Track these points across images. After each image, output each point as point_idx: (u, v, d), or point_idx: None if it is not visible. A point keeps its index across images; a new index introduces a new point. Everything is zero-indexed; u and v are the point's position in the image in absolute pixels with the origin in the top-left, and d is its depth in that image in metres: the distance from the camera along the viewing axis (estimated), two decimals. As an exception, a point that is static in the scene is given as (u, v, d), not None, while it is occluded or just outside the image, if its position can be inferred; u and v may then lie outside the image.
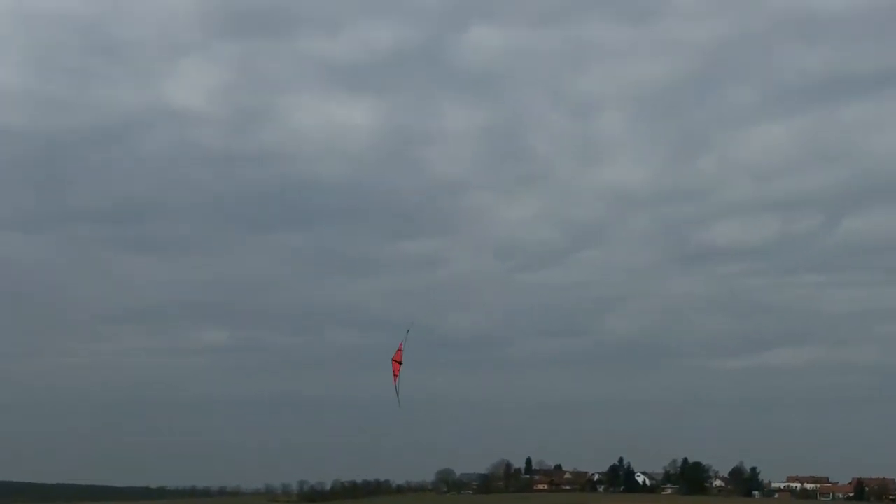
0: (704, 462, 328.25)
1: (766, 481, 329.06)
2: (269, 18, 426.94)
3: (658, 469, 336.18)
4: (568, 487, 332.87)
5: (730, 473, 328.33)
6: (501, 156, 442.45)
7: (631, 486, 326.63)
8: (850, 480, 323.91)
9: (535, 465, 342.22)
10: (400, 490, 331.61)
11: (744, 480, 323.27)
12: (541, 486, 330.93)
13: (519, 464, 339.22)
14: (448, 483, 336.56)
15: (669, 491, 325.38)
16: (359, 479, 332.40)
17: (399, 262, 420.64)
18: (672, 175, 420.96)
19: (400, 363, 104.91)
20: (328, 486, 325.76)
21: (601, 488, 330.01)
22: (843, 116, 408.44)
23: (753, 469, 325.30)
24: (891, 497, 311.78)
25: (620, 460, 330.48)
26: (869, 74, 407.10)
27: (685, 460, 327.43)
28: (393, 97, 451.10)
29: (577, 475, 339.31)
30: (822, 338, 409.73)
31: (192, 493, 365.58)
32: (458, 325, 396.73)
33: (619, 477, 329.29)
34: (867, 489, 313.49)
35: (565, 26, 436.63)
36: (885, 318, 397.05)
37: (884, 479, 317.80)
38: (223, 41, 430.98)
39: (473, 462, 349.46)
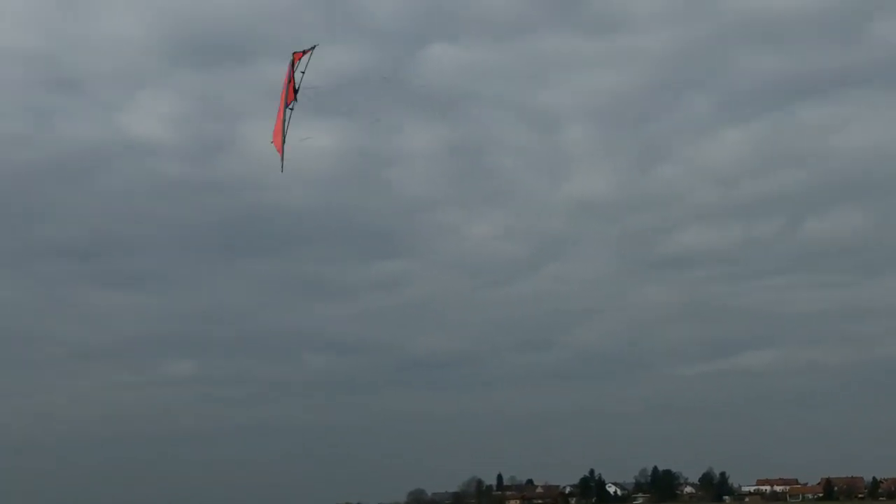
0: (675, 469, 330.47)
1: (735, 485, 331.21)
2: (229, 46, 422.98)
3: (629, 479, 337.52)
4: (540, 501, 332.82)
5: (700, 479, 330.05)
6: (466, 173, 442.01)
7: (602, 496, 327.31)
8: (819, 481, 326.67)
9: (506, 481, 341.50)
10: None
11: (714, 486, 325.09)
12: (513, 502, 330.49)
13: (490, 480, 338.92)
14: (420, 502, 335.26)
15: (641, 500, 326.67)
16: (331, 503, 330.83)
17: (369, 284, 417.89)
18: (635, 184, 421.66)
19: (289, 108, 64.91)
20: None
21: (573, 500, 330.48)
22: (802, 119, 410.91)
23: (723, 474, 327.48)
24: (859, 496, 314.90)
25: (591, 472, 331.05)
26: (826, 75, 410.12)
27: (655, 469, 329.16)
28: (356, 119, 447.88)
29: (549, 489, 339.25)
30: (788, 339, 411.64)
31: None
32: (428, 345, 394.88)
33: (591, 488, 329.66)
34: (836, 489, 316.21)
35: (522, 41, 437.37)
36: (849, 317, 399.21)
37: (852, 477, 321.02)
38: (182, 70, 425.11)
39: (445, 481, 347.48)
